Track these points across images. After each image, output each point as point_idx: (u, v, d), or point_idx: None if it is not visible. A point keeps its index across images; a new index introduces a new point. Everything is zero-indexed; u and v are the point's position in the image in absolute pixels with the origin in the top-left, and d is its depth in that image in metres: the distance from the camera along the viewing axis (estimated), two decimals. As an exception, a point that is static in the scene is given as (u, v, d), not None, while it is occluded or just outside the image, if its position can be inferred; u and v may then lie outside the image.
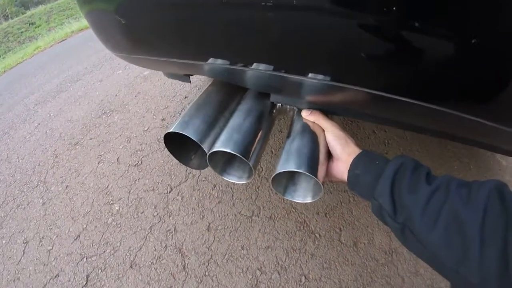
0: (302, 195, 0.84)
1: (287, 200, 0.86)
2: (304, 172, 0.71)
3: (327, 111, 0.90)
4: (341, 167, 0.74)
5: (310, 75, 0.70)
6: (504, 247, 0.41)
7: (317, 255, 1.38)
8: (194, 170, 1.83)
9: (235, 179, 0.94)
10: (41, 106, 3.37)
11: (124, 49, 1.14)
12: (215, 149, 0.81)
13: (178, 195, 1.74)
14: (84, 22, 7.78)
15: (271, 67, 0.75)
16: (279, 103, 1.00)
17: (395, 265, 1.32)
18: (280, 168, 0.75)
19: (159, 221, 1.64)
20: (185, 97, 2.58)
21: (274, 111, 1.01)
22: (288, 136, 0.87)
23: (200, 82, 2.69)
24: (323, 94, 0.78)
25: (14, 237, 1.86)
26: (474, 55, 0.51)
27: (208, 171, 1.81)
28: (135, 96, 2.86)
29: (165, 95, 2.70)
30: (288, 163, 0.75)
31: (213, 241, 1.50)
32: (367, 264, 1.33)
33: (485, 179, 0.54)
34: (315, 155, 0.76)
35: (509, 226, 0.42)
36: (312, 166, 0.73)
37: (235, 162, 0.97)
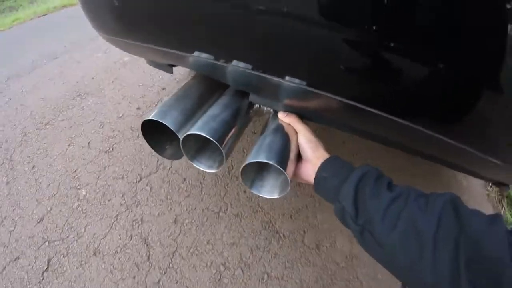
0: (269, 191, 0.86)
1: (255, 199, 0.87)
2: (274, 164, 0.73)
3: (302, 115, 0.92)
4: (309, 169, 0.77)
5: (287, 78, 0.72)
6: (456, 250, 0.45)
7: (281, 254, 1.41)
8: (165, 162, 1.83)
9: (205, 167, 0.96)
10: (14, 80, 3.23)
11: (112, 31, 1.12)
12: (190, 132, 0.83)
13: (147, 185, 1.74)
14: (67, -2, 7.53)
15: (251, 66, 0.76)
16: (256, 103, 1.02)
17: (355, 269, 1.36)
18: (250, 159, 0.77)
19: (126, 210, 1.63)
20: (163, 89, 2.56)
21: (251, 111, 1.03)
22: (262, 133, 0.89)
23: (179, 75, 2.67)
24: (299, 98, 0.80)
25: (-26, 215, 1.80)
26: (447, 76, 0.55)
27: (179, 164, 1.81)
28: (112, 81, 2.80)
29: (143, 84, 2.66)
30: (258, 156, 0.77)
31: (179, 234, 1.50)
32: (328, 266, 1.37)
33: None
34: (286, 152, 0.78)
35: (461, 233, 0.46)
36: (281, 160, 0.75)
37: (207, 152, 0.99)
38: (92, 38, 3.86)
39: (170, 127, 0.86)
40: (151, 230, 1.53)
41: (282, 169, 0.73)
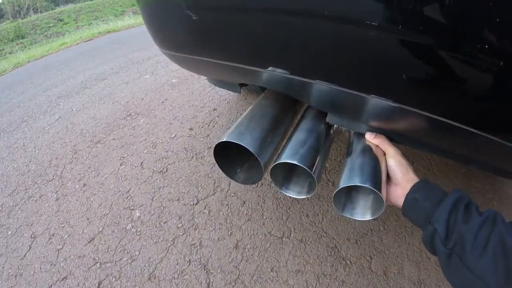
0: (361, 213, 0.85)
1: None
2: (370, 187, 0.72)
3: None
4: (399, 192, 0.77)
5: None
6: None
7: (348, 282, 1.32)
8: (222, 184, 1.74)
9: (294, 194, 0.94)
10: (64, 100, 3.33)
11: (183, 48, 1.08)
12: (281, 161, 0.82)
13: (205, 208, 1.65)
14: (111, 25, 7.88)
15: (336, 83, 0.73)
16: (335, 124, 0.98)
17: (424, 297, 1.29)
18: (344, 183, 0.77)
19: (183, 234, 1.54)
20: (214, 109, 2.52)
21: (331, 131, 1.02)
22: (349, 155, 0.89)
23: (229, 96, 2.64)
24: (387, 117, 0.76)
25: (21, 229, 1.77)
26: None
27: (238, 186, 1.73)
28: (162, 102, 2.81)
29: (193, 104, 2.64)
30: (352, 179, 0.76)
31: (241, 260, 1.40)
32: (397, 294, 1.29)
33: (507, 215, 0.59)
34: (378, 174, 0.78)
35: None
36: (376, 183, 0.74)
37: (294, 178, 0.97)
38: (139, 62, 3.97)
39: (251, 150, 0.83)
40: (210, 255, 1.43)
41: (378, 192, 0.72)
